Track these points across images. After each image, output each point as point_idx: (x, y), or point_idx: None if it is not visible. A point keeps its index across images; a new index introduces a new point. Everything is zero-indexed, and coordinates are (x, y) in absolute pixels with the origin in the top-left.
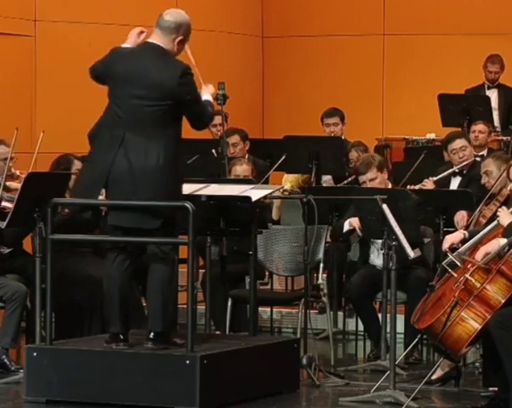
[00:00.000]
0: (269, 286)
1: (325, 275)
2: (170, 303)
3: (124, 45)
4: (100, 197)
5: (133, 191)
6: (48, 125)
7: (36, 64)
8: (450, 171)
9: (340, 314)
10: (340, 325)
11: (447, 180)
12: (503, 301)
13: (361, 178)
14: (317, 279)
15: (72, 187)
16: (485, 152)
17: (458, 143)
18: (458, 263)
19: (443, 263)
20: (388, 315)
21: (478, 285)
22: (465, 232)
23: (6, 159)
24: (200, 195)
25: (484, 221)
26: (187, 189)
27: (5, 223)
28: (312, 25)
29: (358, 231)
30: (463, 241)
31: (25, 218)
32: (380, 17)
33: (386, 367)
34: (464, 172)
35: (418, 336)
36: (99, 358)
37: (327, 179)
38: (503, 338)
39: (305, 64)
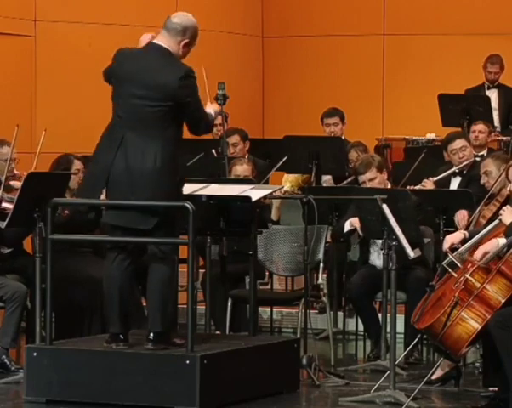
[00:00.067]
0: (269, 286)
1: (325, 275)
2: (170, 303)
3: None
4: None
5: (131, 192)
6: (48, 125)
7: (37, 64)
8: (450, 171)
9: (340, 314)
10: (340, 325)
11: (447, 180)
12: (503, 301)
13: (361, 178)
14: (317, 279)
15: (78, 187)
16: (485, 152)
17: (458, 143)
18: (458, 264)
19: (443, 263)
20: (388, 315)
21: (478, 285)
22: (465, 232)
23: (11, 160)
24: (200, 195)
25: (484, 221)
26: (187, 189)
27: (5, 223)
28: (312, 25)
29: (359, 231)
30: (464, 242)
31: (25, 218)
32: (380, 17)
33: (386, 367)
34: (464, 172)
35: (418, 336)
36: (99, 358)
37: (327, 179)
38: (503, 338)
39: (305, 64)
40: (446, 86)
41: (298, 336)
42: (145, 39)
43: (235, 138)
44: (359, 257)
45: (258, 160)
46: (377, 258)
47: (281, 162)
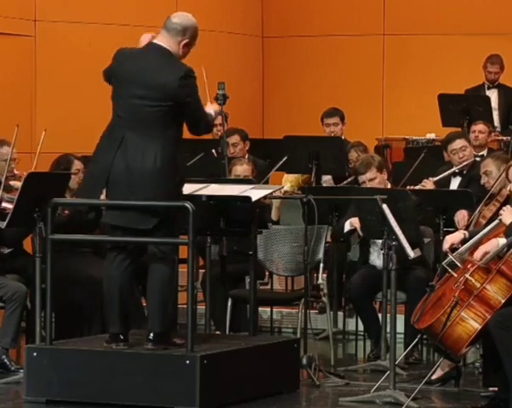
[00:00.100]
0: (269, 286)
1: (325, 275)
2: (170, 303)
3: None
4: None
5: (131, 192)
6: (48, 125)
7: (37, 64)
8: (450, 171)
9: (340, 314)
10: (340, 325)
11: (447, 180)
12: (503, 301)
13: (361, 178)
14: (317, 279)
15: (78, 187)
16: (485, 152)
17: (458, 143)
18: (458, 264)
19: (443, 263)
20: (388, 315)
21: (478, 285)
22: (465, 232)
23: (11, 160)
24: (200, 195)
25: (484, 221)
26: (187, 189)
27: (5, 223)
28: (312, 25)
29: (359, 231)
30: (463, 242)
31: (25, 218)
32: (380, 17)
33: (386, 367)
34: (464, 172)
35: (418, 336)
36: (99, 358)
37: (327, 179)
38: (503, 338)
39: (305, 64)
40: (446, 86)
41: (298, 336)
42: (144, 39)
43: (235, 138)
44: (359, 257)
45: (258, 160)
46: (377, 258)
47: (281, 162)
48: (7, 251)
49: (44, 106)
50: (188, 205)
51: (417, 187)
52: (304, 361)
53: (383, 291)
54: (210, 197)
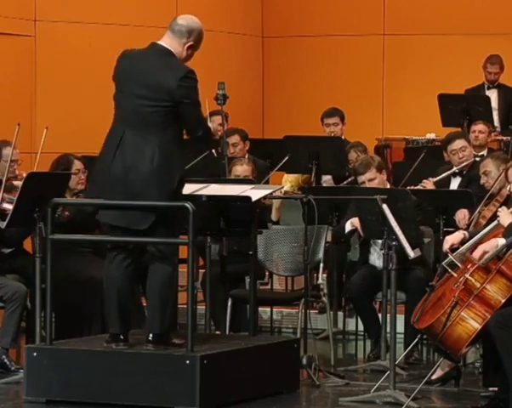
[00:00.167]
0: (269, 286)
1: (325, 275)
2: (170, 304)
3: None
4: None
5: (128, 192)
6: (49, 125)
7: (37, 64)
8: (450, 171)
9: (340, 314)
10: (340, 325)
11: (447, 180)
12: (503, 301)
13: (360, 179)
14: (317, 279)
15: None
16: (485, 152)
17: (458, 143)
18: (459, 264)
19: (443, 263)
20: (388, 315)
21: (478, 285)
22: (465, 232)
23: (12, 161)
24: (200, 195)
25: (483, 222)
26: (187, 189)
27: (5, 223)
28: (312, 25)
29: (360, 231)
30: (463, 242)
31: (25, 218)
32: (380, 17)
33: (386, 367)
34: (464, 172)
35: (418, 336)
36: (99, 358)
37: (327, 179)
38: (503, 338)
39: (305, 64)
40: (446, 86)
41: (298, 336)
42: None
43: (235, 138)
44: (359, 257)
45: (258, 160)
46: (377, 258)
47: (283, 161)
48: (7, 251)
49: (44, 106)
50: (188, 205)
51: (417, 187)
52: (304, 361)
53: (383, 291)
54: (210, 197)
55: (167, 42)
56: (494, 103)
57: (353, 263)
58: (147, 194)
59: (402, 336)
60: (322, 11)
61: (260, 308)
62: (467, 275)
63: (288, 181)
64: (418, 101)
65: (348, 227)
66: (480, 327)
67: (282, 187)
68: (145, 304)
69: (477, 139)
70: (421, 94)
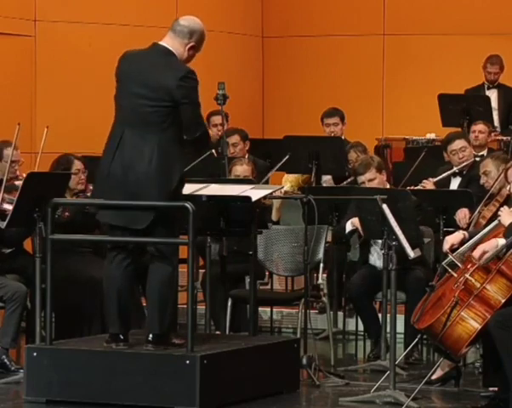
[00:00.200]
0: (269, 286)
1: (325, 275)
2: (169, 304)
3: None
4: None
5: (127, 191)
6: (48, 125)
7: (37, 64)
8: (450, 172)
9: (340, 314)
10: (340, 325)
11: (447, 181)
12: (503, 301)
13: (360, 179)
14: (317, 279)
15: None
16: (485, 152)
17: (458, 144)
18: (459, 264)
19: (443, 263)
20: (388, 315)
21: (478, 285)
22: (465, 233)
23: (13, 162)
24: (200, 195)
25: (483, 222)
26: (187, 189)
27: (5, 223)
28: (312, 25)
29: (360, 231)
30: (463, 242)
31: (25, 218)
32: (380, 17)
33: (386, 367)
34: (464, 172)
35: (418, 336)
36: (99, 358)
37: (327, 179)
38: (503, 338)
39: (305, 64)
40: (446, 86)
41: (298, 336)
42: None
43: (235, 138)
44: (359, 257)
45: (258, 160)
46: (377, 259)
47: (283, 160)
48: (7, 251)
49: (44, 106)
50: (188, 205)
51: (417, 187)
52: (304, 361)
53: (383, 291)
54: (210, 197)
55: (169, 42)
56: (494, 103)
57: (353, 263)
58: (146, 193)
59: (402, 336)
60: (322, 11)
61: (260, 308)
62: (467, 275)
63: (288, 181)
64: (418, 101)
65: (348, 227)
66: (480, 327)
67: (282, 187)
68: (144, 304)
69: (477, 139)
70: (421, 94)
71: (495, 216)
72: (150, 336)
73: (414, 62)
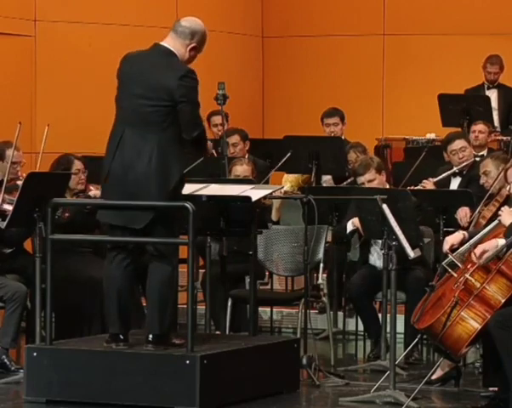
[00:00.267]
0: (269, 286)
1: (325, 275)
2: (169, 304)
3: None
4: (94, 191)
5: (127, 191)
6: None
7: (37, 64)
8: (450, 172)
9: (340, 314)
10: (340, 325)
11: (447, 181)
12: (503, 301)
13: (360, 180)
14: (317, 279)
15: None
16: (485, 152)
17: (458, 144)
18: (459, 264)
19: (443, 263)
20: (388, 315)
21: (478, 285)
22: (465, 233)
23: (15, 163)
24: (200, 195)
25: (483, 222)
26: (187, 189)
27: (5, 223)
28: (312, 25)
29: (361, 231)
30: (463, 242)
31: (25, 218)
32: (380, 17)
33: (386, 367)
34: (464, 172)
35: (418, 336)
36: (99, 358)
37: (327, 179)
38: (503, 338)
39: (305, 64)
40: (446, 86)
41: (298, 336)
42: None
43: (235, 138)
44: (359, 257)
45: (258, 160)
46: (377, 259)
47: (284, 159)
48: (8, 251)
49: (44, 106)
50: (188, 205)
51: (417, 187)
52: (304, 361)
53: (383, 291)
54: (210, 197)
55: (170, 42)
56: (494, 103)
57: (353, 263)
58: (145, 193)
59: (402, 336)
60: (322, 11)
61: (260, 308)
62: (467, 275)
63: (288, 181)
64: (418, 101)
65: (349, 227)
66: (480, 327)
67: (282, 187)
68: (144, 304)
69: (477, 139)
70: (421, 94)
71: (495, 216)
72: (150, 336)
73: (414, 62)
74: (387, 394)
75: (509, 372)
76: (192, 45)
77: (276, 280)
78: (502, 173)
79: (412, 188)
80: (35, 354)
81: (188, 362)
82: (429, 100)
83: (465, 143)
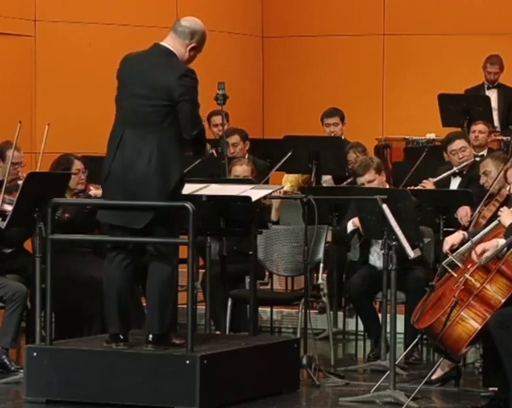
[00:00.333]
0: (269, 286)
1: (325, 275)
2: (169, 304)
3: None
4: (94, 191)
5: (125, 191)
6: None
7: (37, 64)
8: (450, 172)
9: (340, 314)
10: (340, 325)
11: (447, 181)
12: (503, 300)
13: (359, 180)
14: (317, 279)
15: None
16: (485, 152)
17: (458, 144)
18: (459, 264)
19: (443, 263)
20: (388, 315)
21: (478, 285)
22: (465, 233)
23: (16, 163)
24: (200, 195)
25: (483, 222)
26: (187, 189)
27: (5, 223)
28: (312, 25)
29: (361, 231)
30: (463, 242)
31: (25, 218)
32: (380, 17)
33: (386, 367)
34: (464, 172)
35: (418, 336)
36: (99, 358)
37: (327, 179)
38: (503, 338)
39: (305, 64)
40: (446, 86)
41: (298, 336)
42: None
43: (235, 138)
44: (359, 257)
45: (258, 160)
46: (377, 259)
47: (285, 158)
48: (8, 251)
49: (44, 106)
50: (188, 205)
51: (417, 187)
52: (304, 361)
53: (383, 291)
54: (210, 197)
55: (170, 42)
56: (494, 103)
57: (353, 263)
58: (145, 193)
59: (402, 336)
60: (322, 11)
61: (260, 308)
62: (467, 275)
63: (288, 181)
64: (418, 101)
65: (350, 227)
66: (480, 327)
67: (282, 187)
68: (144, 304)
69: (477, 139)
70: (421, 94)
71: (495, 216)
72: (150, 336)
73: (414, 62)
74: (387, 394)
75: (509, 372)
76: (192, 45)
77: (276, 280)
78: (502, 173)
79: (412, 188)
80: (35, 354)
81: (188, 362)
82: (429, 100)
83: (465, 143)
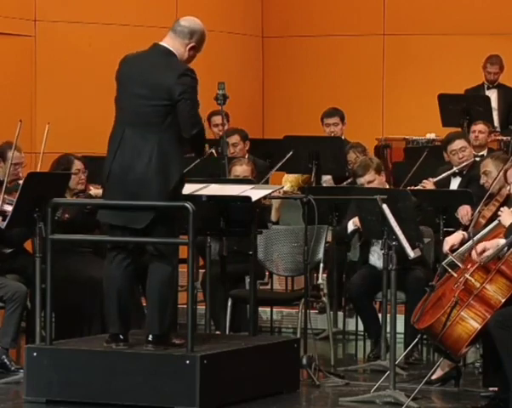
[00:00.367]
0: (269, 286)
1: (325, 275)
2: (169, 304)
3: None
4: (94, 190)
5: (125, 191)
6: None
7: (37, 64)
8: (450, 172)
9: (340, 314)
10: (340, 325)
11: (447, 181)
12: (503, 300)
13: (359, 181)
14: (317, 279)
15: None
16: (485, 152)
17: (458, 144)
18: (459, 264)
19: (443, 263)
20: (388, 315)
21: (478, 285)
22: (465, 233)
23: (16, 164)
24: (200, 195)
25: (483, 221)
26: (187, 189)
27: (5, 223)
28: (312, 25)
29: (362, 230)
30: (463, 242)
31: (25, 218)
32: (380, 17)
33: (386, 367)
34: (464, 172)
35: (418, 336)
36: (99, 358)
37: (327, 179)
38: (503, 338)
39: (305, 64)
40: (446, 86)
41: (298, 336)
42: None
43: (235, 138)
44: (359, 257)
45: (258, 160)
46: (377, 259)
47: (285, 158)
48: (8, 251)
49: (44, 106)
50: (188, 205)
51: (417, 187)
52: (304, 361)
53: (383, 291)
54: (210, 197)
55: (169, 42)
56: (494, 103)
57: (353, 263)
58: (145, 193)
59: (402, 336)
60: (322, 11)
61: (260, 308)
62: (467, 275)
63: (288, 181)
64: (418, 101)
65: (350, 227)
66: (480, 327)
67: (282, 187)
68: (144, 304)
69: (477, 139)
70: (421, 94)
71: (495, 216)
72: (150, 336)
73: (414, 62)
74: (387, 394)
75: (509, 372)
76: (191, 44)
77: (276, 280)
78: (502, 173)
79: (412, 188)
80: (35, 354)
81: (188, 362)
82: (429, 100)
83: (465, 143)
